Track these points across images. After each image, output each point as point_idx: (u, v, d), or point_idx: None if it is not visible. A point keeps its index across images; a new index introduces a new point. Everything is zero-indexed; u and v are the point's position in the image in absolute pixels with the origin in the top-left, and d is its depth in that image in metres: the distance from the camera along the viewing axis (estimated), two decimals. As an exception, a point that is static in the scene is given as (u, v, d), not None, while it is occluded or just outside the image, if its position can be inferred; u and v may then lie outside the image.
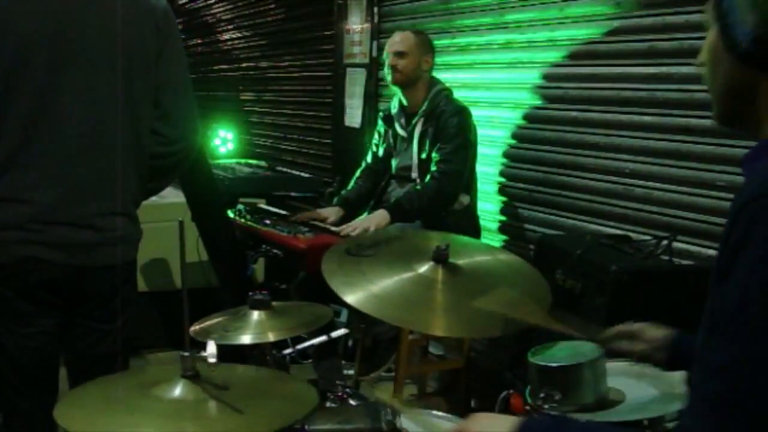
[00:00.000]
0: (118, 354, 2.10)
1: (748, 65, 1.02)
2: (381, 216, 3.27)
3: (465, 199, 3.40)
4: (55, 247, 1.91)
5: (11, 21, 1.85)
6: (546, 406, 1.59)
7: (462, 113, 3.37)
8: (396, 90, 3.52)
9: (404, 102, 3.52)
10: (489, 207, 3.73)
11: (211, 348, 1.36)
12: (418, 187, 3.34)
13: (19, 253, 1.90)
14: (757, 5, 0.99)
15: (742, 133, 1.12)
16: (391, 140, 3.61)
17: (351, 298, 1.66)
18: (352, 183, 3.75)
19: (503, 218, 3.72)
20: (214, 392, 1.31)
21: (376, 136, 3.75)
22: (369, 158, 3.75)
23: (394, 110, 3.58)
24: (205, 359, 1.34)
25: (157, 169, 2.12)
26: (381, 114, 3.73)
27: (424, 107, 3.41)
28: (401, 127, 3.54)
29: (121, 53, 1.95)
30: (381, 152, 3.67)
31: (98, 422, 1.27)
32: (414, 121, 3.45)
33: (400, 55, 3.44)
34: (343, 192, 3.74)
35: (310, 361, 3.30)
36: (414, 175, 3.44)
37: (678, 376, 1.74)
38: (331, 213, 3.56)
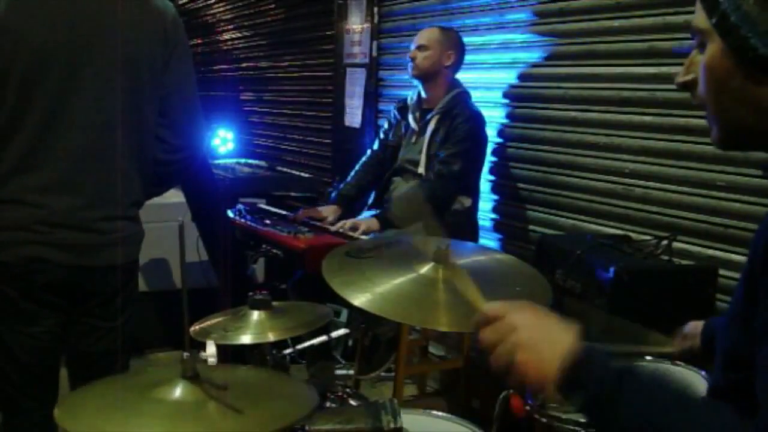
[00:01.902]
0: (119, 352, 2.11)
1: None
2: (372, 222, 3.32)
3: (467, 201, 3.41)
4: (60, 248, 1.93)
5: (26, 30, 1.87)
6: (546, 407, 1.59)
7: (475, 119, 3.39)
8: (417, 83, 3.55)
9: (423, 95, 3.54)
10: (488, 207, 3.73)
11: (211, 348, 1.36)
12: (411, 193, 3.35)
13: (24, 254, 1.92)
14: None
15: (750, 150, 1.09)
16: (402, 131, 3.62)
17: (353, 298, 1.66)
18: (352, 174, 3.75)
19: (503, 218, 3.72)
20: (214, 393, 1.31)
21: (386, 124, 3.76)
22: (376, 145, 3.76)
23: (411, 102, 3.60)
24: (205, 360, 1.34)
25: (160, 175, 2.13)
26: (396, 103, 3.74)
27: (440, 106, 3.43)
28: (414, 119, 3.56)
29: (129, 61, 1.97)
30: (390, 141, 3.67)
31: (98, 423, 1.27)
32: (428, 118, 3.46)
33: (420, 48, 3.47)
34: (341, 188, 3.74)
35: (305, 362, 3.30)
36: (420, 170, 3.45)
37: (679, 376, 1.74)
38: (329, 211, 3.57)
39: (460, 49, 3.53)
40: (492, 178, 3.73)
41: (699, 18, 1.04)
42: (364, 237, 3.18)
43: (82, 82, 1.92)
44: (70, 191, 1.94)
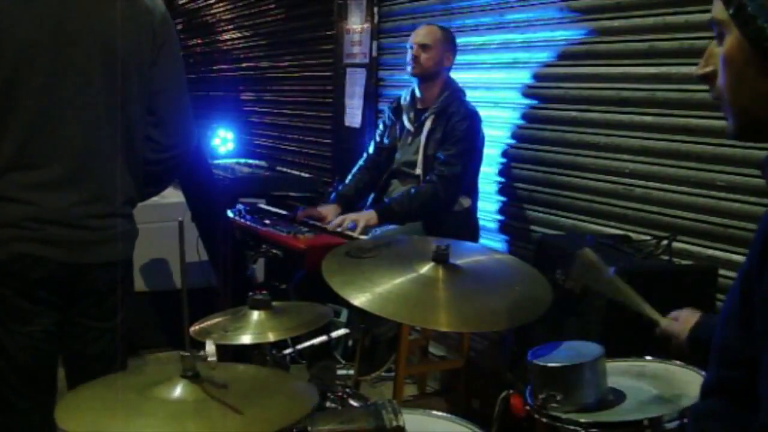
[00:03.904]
0: (116, 352, 2.11)
1: None
2: (369, 215, 3.30)
3: (466, 201, 3.40)
4: (52, 244, 1.93)
5: (13, 26, 1.87)
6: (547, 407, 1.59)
7: (472, 118, 3.38)
8: (413, 81, 3.54)
9: (418, 95, 3.52)
10: (489, 207, 3.73)
11: (210, 348, 1.36)
12: (413, 190, 3.34)
13: (16, 251, 1.91)
14: None
15: (763, 143, 1.09)
16: (397, 132, 3.61)
17: (354, 298, 1.66)
18: (349, 177, 3.74)
19: (503, 218, 3.72)
20: (214, 392, 1.31)
21: (381, 126, 3.74)
22: (371, 149, 3.74)
23: (404, 102, 3.59)
24: (204, 359, 1.34)
25: (151, 174, 2.13)
26: (390, 105, 3.72)
27: (436, 105, 3.42)
28: (409, 120, 3.55)
29: (116, 59, 1.96)
30: (385, 143, 3.66)
31: (98, 423, 1.27)
32: (424, 118, 3.45)
33: (423, 47, 3.45)
34: (340, 188, 3.74)
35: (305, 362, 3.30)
36: (418, 171, 3.44)
37: (679, 376, 1.74)
38: (329, 211, 3.56)
39: (456, 49, 3.54)
40: (492, 178, 3.73)
41: (717, 9, 1.04)
42: (363, 237, 3.18)
43: (69, 80, 1.91)
44: (61, 188, 1.93)
